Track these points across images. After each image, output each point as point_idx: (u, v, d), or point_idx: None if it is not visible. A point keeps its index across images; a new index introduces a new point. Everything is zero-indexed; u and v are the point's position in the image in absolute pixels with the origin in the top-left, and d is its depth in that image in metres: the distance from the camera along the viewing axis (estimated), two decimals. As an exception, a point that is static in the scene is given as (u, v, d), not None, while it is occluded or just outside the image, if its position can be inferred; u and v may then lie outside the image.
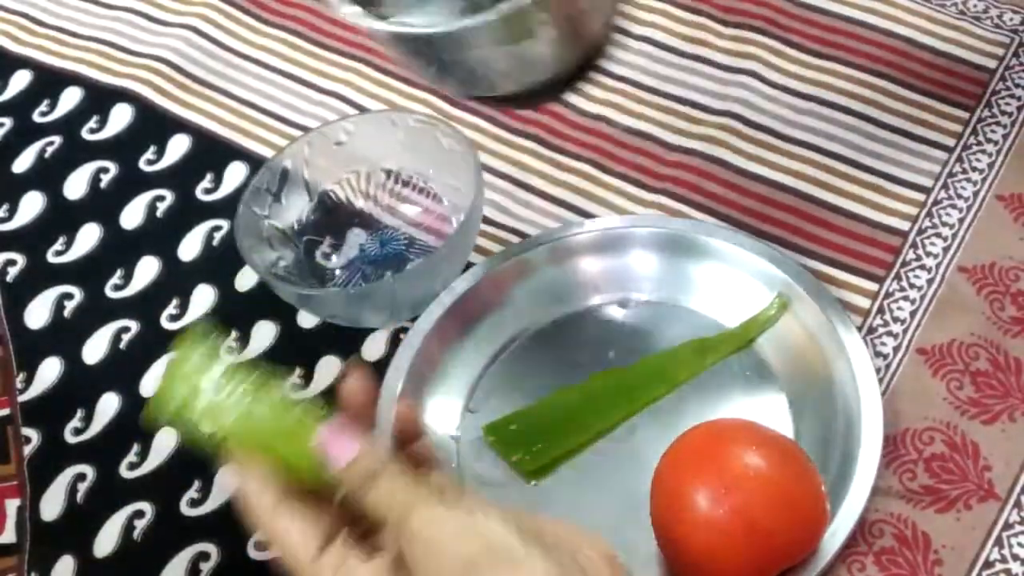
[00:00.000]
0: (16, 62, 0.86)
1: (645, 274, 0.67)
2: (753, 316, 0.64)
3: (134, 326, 0.71)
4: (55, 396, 0.69)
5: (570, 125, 0.76)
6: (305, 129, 0.77)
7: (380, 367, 0.65)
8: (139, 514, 0.64)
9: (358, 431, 0.45)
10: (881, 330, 0.65)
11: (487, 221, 0.71)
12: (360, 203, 0.73)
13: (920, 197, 0.70)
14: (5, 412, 0.69)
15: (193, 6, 0.86)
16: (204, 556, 0.62)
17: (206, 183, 0.77)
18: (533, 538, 0.43)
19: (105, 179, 0.78)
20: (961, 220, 0.68)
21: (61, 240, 0.76)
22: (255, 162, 0.77)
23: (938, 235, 0.68)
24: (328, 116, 0.78)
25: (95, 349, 0.70)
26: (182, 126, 0.80)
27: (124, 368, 0.69)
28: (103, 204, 0.77)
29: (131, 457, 0.66)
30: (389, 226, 0.72)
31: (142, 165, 0.79)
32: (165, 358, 0.69)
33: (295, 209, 0.71)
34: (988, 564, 0.57)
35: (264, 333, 0.69)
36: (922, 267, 0.67)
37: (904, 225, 0.69)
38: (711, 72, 0.77)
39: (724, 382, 0.63)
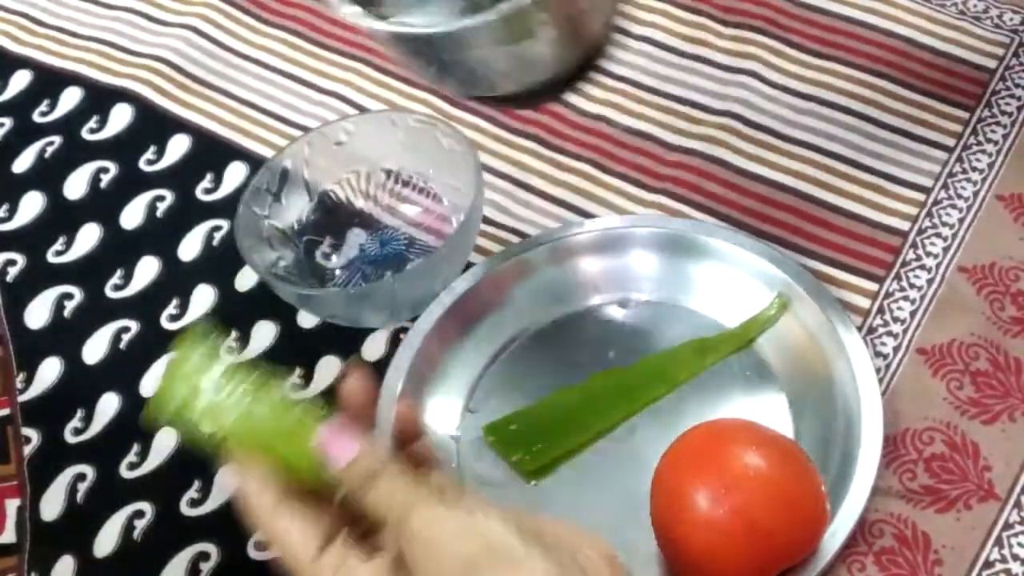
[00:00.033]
0: (16, 62, 0.86)
1: (645, 274, 0.67)
2: (753, 316, 0.64)
3: (134, 326, 0.71)
4: (55, 396, 0.69)
5: (570, 125, 0.76)
6: (305, 129, 0.77)
7: (380, 367, 0.65)
8: (139, 514, 0.64)
9: (358, 431, 0.45)
10: (881, 330, 0.65)
11: (487, 221, 0.71)
12: (360, 203, 0.73)
13: (920, 197, 0.70)
14: (5, 412, 0.69)
15: (193, 6, 0.86)
16: (204, 556, 0.62)
17: (206, 183, 0.77)
18: (533, 538, 0.43)
19: (105, 179, 0.78)
20: (961, 220, 0.68)
21: (61, 240, 0.76)
22: (255, 162, 0.77)
23: (938, 235, 0.68)
24: (328, 116, 0.78)
25: (95, 349, 0.70)
26: (182, 126, 0.80)
27: (124, 368, 0.69)
28: (103, 204, 0.77)
29: (131, 457, 0.66)
30: (389, 226, 0.72)
31: (142, 165, 0.79)
32: (165, 358, 0.69)
33: (295, 209, 0.71)
34: (988, 564, 0.57)
35: (264, 333, 0.69)
36: (922, 267, 0.67)
37: (904, 225, 0.69)
38: (711, 72, 0.77)
39: (724, 382, 0.63)
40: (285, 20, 0.85)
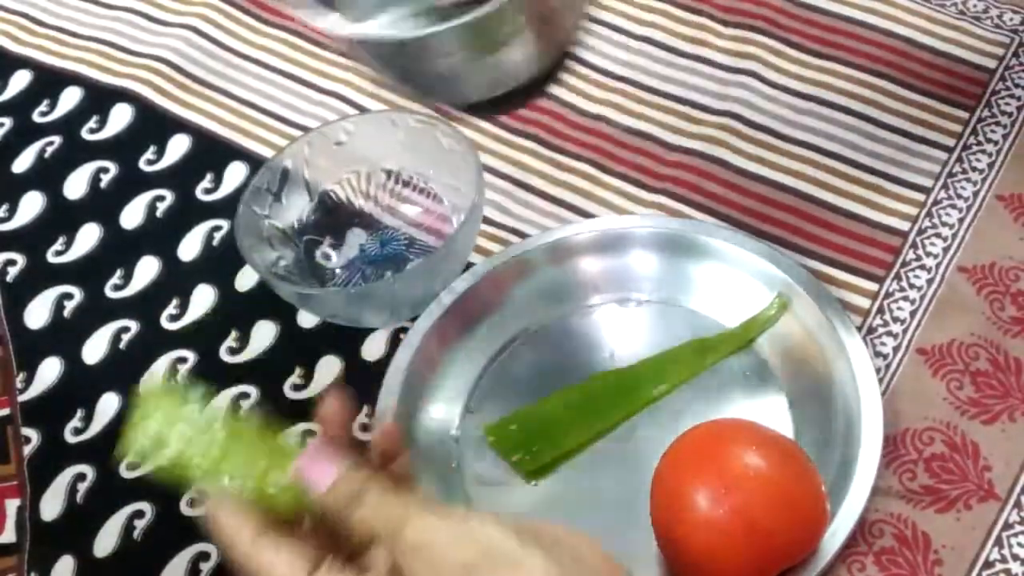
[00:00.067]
0: (16, 62, 0.86)
1: (645, 274, 0.67)
2: (753, 316, 0.64)
3: (134, 326, 0.71)
4: (55, 396, 0.69)
5: (570, 125, 0.76)
6: (305, 129, 0.77)
7: (380, 367, 0.65)
8: (139, 514, 0.64)
9: (335, 454, 0.45)
10: (881, 330, 0.65)
11: (487, 221, 0.71)
12: (360, 203, 0.73)
13: (920, 197, 0.70)
14: (5, 412, 0.69)
15: (193, 6, 0.86)
16: (204, 556, 0.62)
17: (206, 183, 0.77)
18: (531, 539, 0.43)
19: (105, 179, 0.78)
20: (961, 220, 0.68)
21: (61, 240, 0.76)
22: (255, 162, 0.77)
23: (938, 235, 0.68)
24: (328, 116, 0.78)
25: (95, 349, 0.70)
26: (182, 126, 0.80)
27: (124, 368, 0.69)
28: (103, 204, 0.77)
29: (131, 457, 0.65)
30: (389, 226, 0.72)
31: (142, 165, 0.79)
32: (165, 358, 0.69)
33: (295, 209, 0.71)
34: (988, 564, 0.57)
35: (264, 333, 0.69)
36: (922, 267, 0.67)
37: (904, 225, 0.69)
38: (711, 72, 0.77)
39: (724, 382, 0.63)
40: (285, 20, 0.85)
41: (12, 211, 0.78)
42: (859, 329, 0.63)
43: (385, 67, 0.74)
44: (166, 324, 0.71)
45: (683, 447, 0.56)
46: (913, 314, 0.65)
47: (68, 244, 0.75)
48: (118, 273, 0.73)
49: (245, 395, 0.67)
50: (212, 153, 0.78)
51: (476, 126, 0.77)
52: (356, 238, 0.72)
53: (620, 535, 0.57)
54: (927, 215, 0.69)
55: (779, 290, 0.64)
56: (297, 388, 0.67)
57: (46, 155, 0.80)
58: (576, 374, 0.64)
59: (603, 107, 0.76)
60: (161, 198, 0.77)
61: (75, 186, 0.78)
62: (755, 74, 0.76)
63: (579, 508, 0.60)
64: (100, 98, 0.82)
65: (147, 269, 0.73)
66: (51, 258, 0.75)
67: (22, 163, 0.80)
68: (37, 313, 0.72)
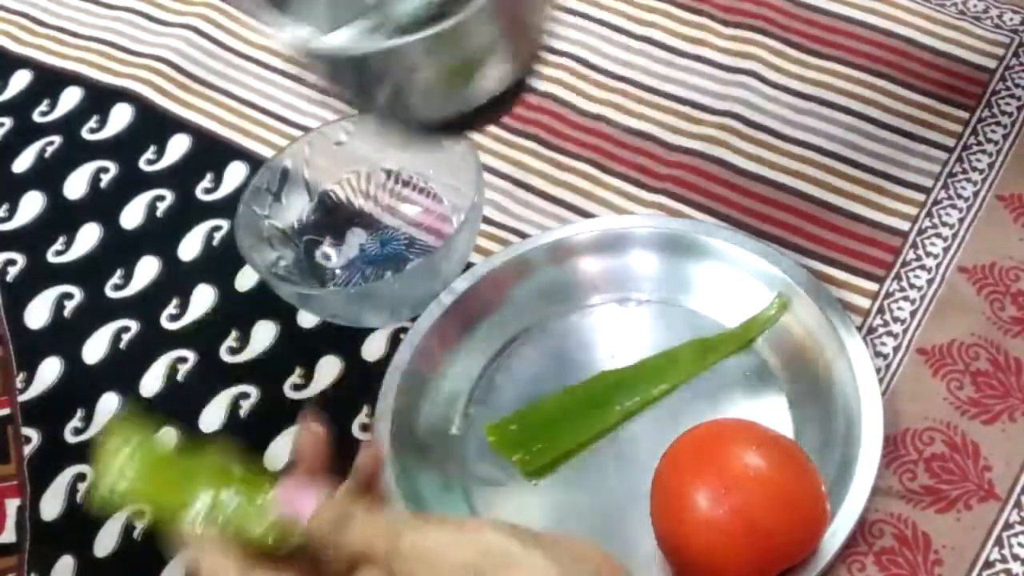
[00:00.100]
0: (16, 62, 0.86)
1: (645, 274, 0.67)
2: (753, 316, 0.64)
3: (134, 326, 0.71)
4: (55, 396, 0.69)
5: (570, 125, 0.76)
6: (305, 129, 0.77)
7: (380, 367, 0.65)
8: (139, 514, 0.64)
9: (312, 481, 0.45)
10: (881, 330, 0.65)
11: (487, 221, 0.71)
12: (360, 203, 0.73)
13: (920, 197, 0.70)
14: (5, 412, 0.69)
15: (193, 6, 0.86)
16: (204, 556, 0.62)
17: (206, 183, 0.77)
18: (531, 540, 0.43)
19: (105, 179, 0.78)
20: (961, 220, 0.68)
21: (61, 240, 0.76)
22: (255, 162, 0.77)
23: (938, 235, 0.68)
24: (328, 116, 0.78)
25: (95, 349, 0.70)
26: (182, 126, 0.80)
27: (124, 368, 0.69)
28: (103, 204, 0.77)
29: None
30: (389, 226, 0.72)
31: (142, 165, 0.79)
32: (165, 358, 0.69)
33: (295, 209, 0.71)
34: (988, 564, 0.57)
35: (264, 333, 0.69)
36: (922, 267, 0.67)
37: (904, 225, 0.69)
38: (711, 72, 0.77)
39: (724, 382, 0.63)
40: (285, 20, 0.84)
41: (12, 211, 0.78)
42: (859, 329, 0.63)
43: (342, 85, 0.65)
44: (166, 324, 0.71)
45: (683, 447, 0.56)
46: (913, 314, 0.65)
47: (68, 244, 0.75)
48: (118, 273, 0.73)
49: (245, 395, 0.67)
50: (212, 153, 0.78)
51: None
52: (356, 238, 0.72)
53: (620, 535, 0.58)
54: (927, 215, 0.69)
55: (779, 290, 0.64)
56: (297, 388, 0.67)
57: (46, 155, 0.80)
58: (576, 374, 0.64)
59: (603, 107, 0.76)
60: (161, 198, 0.77)
61: (75, 186, 0.78)
62: (755, 74, 0.76)
63: (579, 508, 0.60)
64: (100, 98, 0.82)
65: (147, 269, 0.73)
66: (51, 258, 0.75)
67: (22, 163, 0.80)
68: (37, 313, 0.72)
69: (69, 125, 0.82)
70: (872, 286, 0.66)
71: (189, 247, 0.74)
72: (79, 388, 0.69)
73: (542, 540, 0.43)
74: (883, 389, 0.62)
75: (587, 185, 0.73)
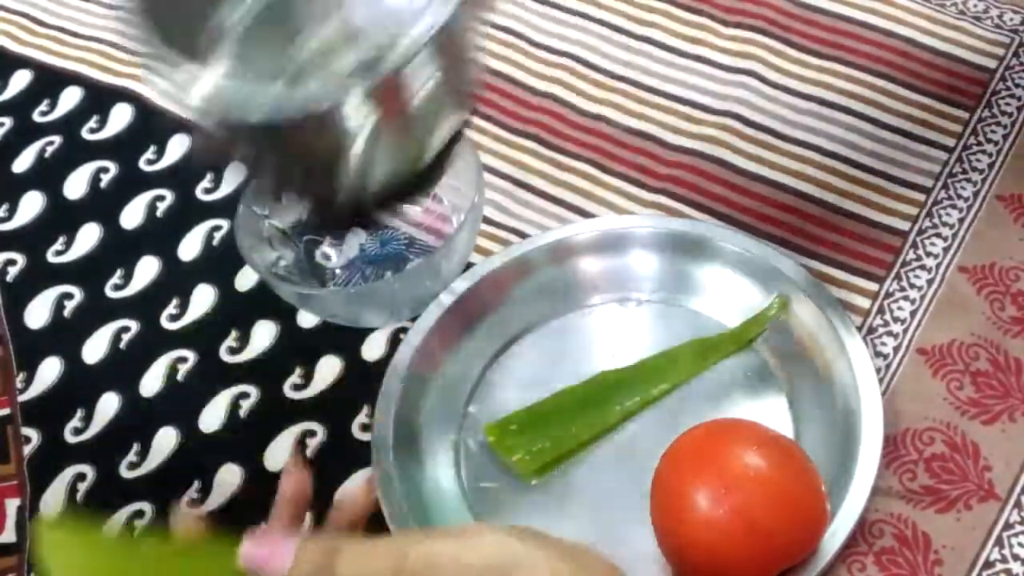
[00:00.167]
0: (16, 62, 0.86)
1: (645, 274, 0.67)
2: (753, 316, 0.64)
3: (134, 326, 0.71)
4: (55, 396, 0.69)
5: (570, 125, 0.76)
6: (305, 129, 0.77)
7: (380, 367, 0.65)
8: (139, 514, 0.64)
9: (283, 530, 0.44)
10: (881, 330, 0.65)
11: (487, 221, 0.71)
12: (360, 203, 0.73)
13: (920, 197, 0.70)
14: (5, 412, 0.69)
15: (193, 6, 0.86)
16: (204, 556, 0.62)
17: (206, 183, 0.77)
18: (531, 540, 0.43)
19: (105, 179, 0.78)
20: (961, 220, 0.68)
21: (61, 240, 0.76)
22: (255, 162, 0.77)
23: (938, 235, 0.68)
24: (328, 116, 0.78)
25: (95, 349, 0.70)
26: (182, 125, 0.80)
27: (124, 368, 0.69)
28: (103, 204, 0.77)
29: (131, 457, 0.66)
30: (389, 226, 0.72)
31: (142, 165, 0.79)
32: (165, 358, 0.69)
33: (295, 209, 0.71)
34: (988, 564, 0.57)
35: (264, 333, 0.69)
36: (922, 267, 0.67)
37: (904, 225, 0.69)
38: (711, 72, 0.77)
39: (724, 382, 0.63)
40: (285, 20, 0.84)
41: (12, 211, 0.78)
42: (859, 329, 0.63)
43: (254, 154, 0.54)
44: (166, 324, 0.71)
45: (683, 447, 0.56)
46: (913, 314, 0.65)
47: (68, 244, 0.75)
48: (118, 273, 0.73)
49: (245, 395, 0.67)
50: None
51: (476, 126, 0.76)
52: (356, 238, 0.72)
53: (620, 535, 0.58)
54: (927, 215, 0.69)
55: (779, 290, 0.64)
56: (297, 388, 0.67)
57: (46, 155, 0.80)
58: (576, 374, 0.64)
59: (603, 107, 0.76)
60: (161, 198, 0.77)
61: (75, 186, 0.78)
62: (755, 74, 0.76)
63: (579, 508, 0.60)
64: (100, 98, 0.82)
65: (147, 269, 0.73)
66: (51, 258, 0.75)
67: (22, 163, 0.80)
68: (37, 313, 0.72)
69: (69, 125, 0.81)
70: (872, 286, 0.66)
71: (189, 247, 0.74)
72: (79, 388, 0.69)
73: (541, 538, 0.43)
74: (883, 389, 0.62)
75: (587, 185, 0.73)
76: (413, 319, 0.66)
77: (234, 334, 0.70)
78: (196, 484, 0.64)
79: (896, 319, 0.65)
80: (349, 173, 0.51)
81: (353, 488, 0.50)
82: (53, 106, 0.83)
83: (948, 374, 0.63)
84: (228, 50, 0.52)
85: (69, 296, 0.73)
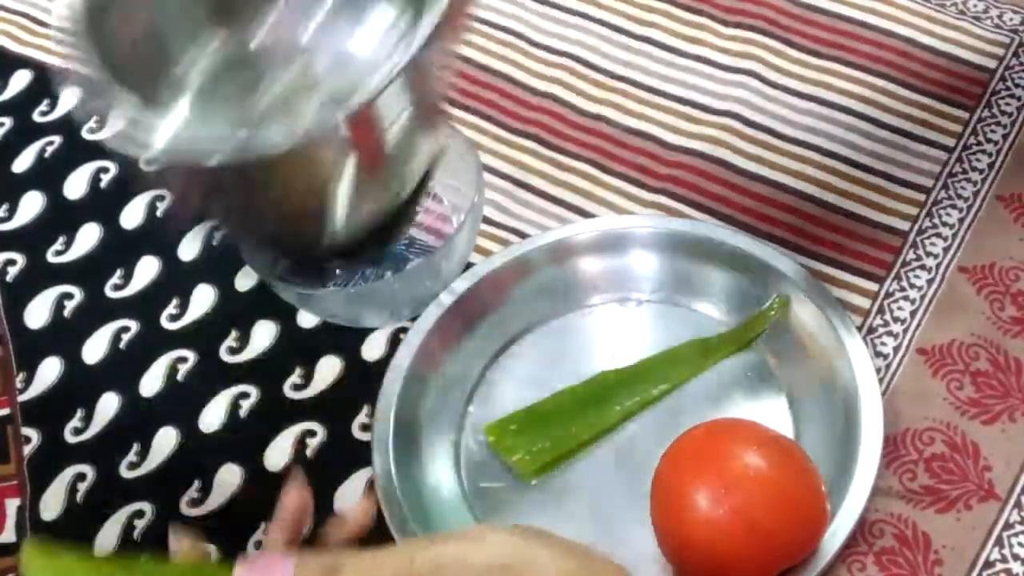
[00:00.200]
0: (16, 62, 0.86)
1: (645, 274, 0.67)
2: (753, 316, 0.64)
3: (134, 326, 0.71)
4: (55, 396, 0.69)
5: (570, 125, 0.76)
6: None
7: (380, 367, 0.65)
8: (139, 514, 0.64)
9: (281, 546, 0.44)
10: (881, 330, 0.65)
11: (487, 221, 0.71)
12: (360, 203, 0.73)
13: (920, 197, 0.70)
14: (5, 412, 0.69)
15: (193, 6, 0.86)
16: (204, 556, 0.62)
17: (206, 183, 0.77)
18: (533, 539, 0.43)
19: (105, 179, 0.78)
20: (961, 220, 0.68)
21: (61, 240, 0.76)
22: (255, 162, 0.77)
23: (938, 235, 0.68)
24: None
25: (95, 349, 0.70)
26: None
27: (124, 368, 0.69)
28: (103, 204, 0.77)
29: (131, 457, 0.66)
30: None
31: (142, 164, 0.78)
32: (165, 358, 0.69)
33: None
34: (988, 564, 0.57)
35: (264, 333, 0.69)
36: (922, 267, 0.67)
37: (904, 225, 0.69)
38: (711, 72, 0.77)
39: (724, 382, 0.63)
40: (285, 20, 0.84)
41: (12, 211, 0.78)
42: (859, 329, 0.63)
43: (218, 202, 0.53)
44: (166, 324, 0.71)
45: (683, 447, 0.56)
46: (913, 314, 0.65)
47: (68, 244, 0.75)
48: (118, 273, 0.73)
49: (245, 395, 0.67)
50: (212, 153, 0.78)
51: (476, 126, 0.76)
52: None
53: (620, 535, 0.58)
54: (927, 215, 0.69)
55: (779, 290, 0.64)
56: (297, 388, 0.67)
57: (46, 155, 0.80)
58: (576, 374, 0.64)
59: (603, 107, 0.76)
60: (161, 197, 0.77)
61: (75, 186, 0.78)
62: (755, 74, 0.76)
63: (579, 508, 0.60)
64: (100, 98, 0.82)
65: (147, 269, 0.73)
66: (51, 258, 0.75)
67: (22, 163, 0.80)
68: (37, 313, 0.72)
69: (69, 125, 0.81)
70: (872, 286, 0.66)
71: (189, 247, 0.74)
72: (79, 388, 0.69)
73: (543, 536, 0.43)
74: (883, 389, 0.62)
75: (587, 185, 0.73)
76: (413, 319, 0.66)
77: (234, 334, 0.70)
78: (196, 484, 0.64)
79: (896, 319, 0.65)
80: (328, 215, 0.50)
81: (352, 506, 0.50)
82: (53, 106, 0.83)
83: (948, 374, 0.63)
84: (188, 100, 0.51)
85: (69, 296, 0.73)
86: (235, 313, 0.70)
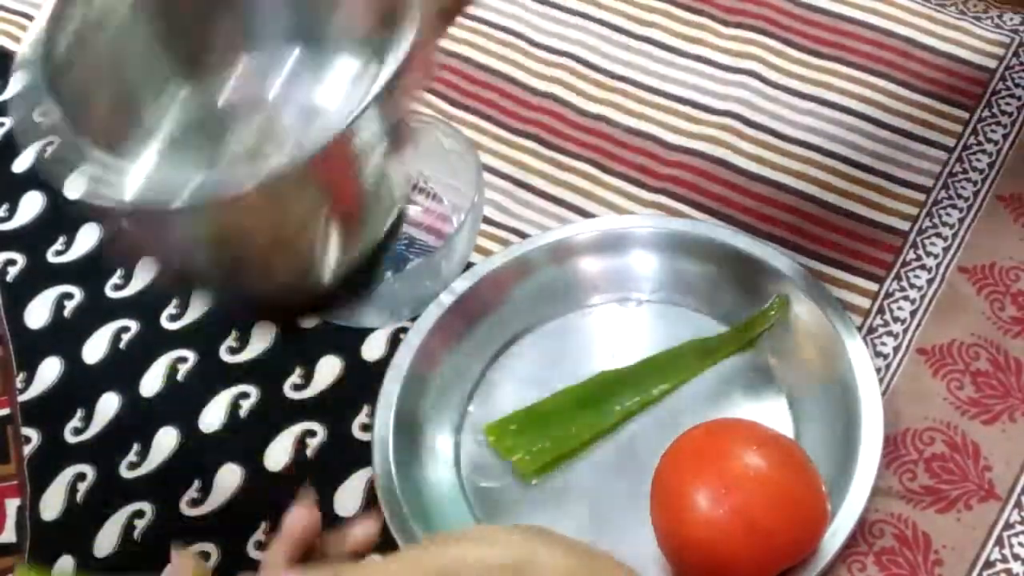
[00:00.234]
0: (16, 62, 0.86)
1: (645, 274, 0.67)
2: (753, 316, 0.64)
3: (134, 326, 0.71)
4: (55, 396, 0.69)
5: (570, 125, 0.76)
6: (305, 129, 0.77)
7: (380, 367, 0.65)
8: (139, 514, 0.64)
9: (283, 565, 0.44)
10: (881, 330, 0.65)
11: (487, 221, 0.71)
12: (360, 203, 0.73)
13: (920, 197, 0.70)
14: (5, 412, 0.69)
15: (193, 6, 0.86)
16: (204, 556, 0.62)
17: (206, 183, 0.77)
18: (539, 537, 0.43)
19: (105, 179, 0.78)
20: (961, 220, 0.68)
21: (61, 240, 0.75)
22: (255, 162, 0.77)
23: (938, 235, 0.68)
24: (328, 116, 0.78)
25: (95, 349, 0.70)
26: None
27: (124, 368, 0.69)
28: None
29: (131, 457, 0.66)
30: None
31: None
32: (165, 358, 0.69)
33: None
34: (989, 564, 0.57)
35: (264, 333, 0.69)
36: (922, 267, 0.67)
37: (904, 225, 0.69)
38: (711, 72, 0.77)
39: (724, 382, 0.63)
40: (285, 20, 0.84)
41: (12, 211, 0.78)
42: (859, 329, 0.63)
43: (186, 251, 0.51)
44: (166, 324, 0.71)
45: (683, 447, 0.56)
46: (913, 314, 0.65)
47: (68, 244, 0.75)
48: (118, 273, 0.73)
49: (245, 395, 0.67)
50: (212, 153, 0.78)
51: (476, 126, 0.76)
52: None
53: (620, 535, 0.58)
54: (927, 215, 0.69)
55: (779, 290, 0.64)
56: (297, 388, 0.67)
57: (46, 155, 0.80)
58: (576, 374, 0.64)
59: (603, 107, 0.76)
60: (161, 198, 0.76)
61: (75, 185, 0.78)
62: (755, 74, 0.76)
63: (579, 508, 0.60)
64: (100, 98, 0.82)
65: (147, 269, 0.73)
66: (51, 258, 0.75)
67: (22, 163, 0.80)
68: (37, 313, 0.72)
69: (69, 125, 0.81)
70: (872, 286, 0.66)
71: (189, 247, 0.74)
72: (79, 388, 0.69)
73: (545, 535, 0.43)
74: (883, 389, 0.62)
75: (587, 185, 0.73)
76: (413, 319, 0.66)
77: (234, 334, 0.70)
78: (196, 484, 0.64)
79: (896, 319, 0.65)
80: (303, 264, 0.50)
81: (357, 522, 0.50)
82: (53, 106, 0.83)
83: (948, 374, 0.63)
84: (156, 149, 0.51)
85: (69, 296, 0.73)
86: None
